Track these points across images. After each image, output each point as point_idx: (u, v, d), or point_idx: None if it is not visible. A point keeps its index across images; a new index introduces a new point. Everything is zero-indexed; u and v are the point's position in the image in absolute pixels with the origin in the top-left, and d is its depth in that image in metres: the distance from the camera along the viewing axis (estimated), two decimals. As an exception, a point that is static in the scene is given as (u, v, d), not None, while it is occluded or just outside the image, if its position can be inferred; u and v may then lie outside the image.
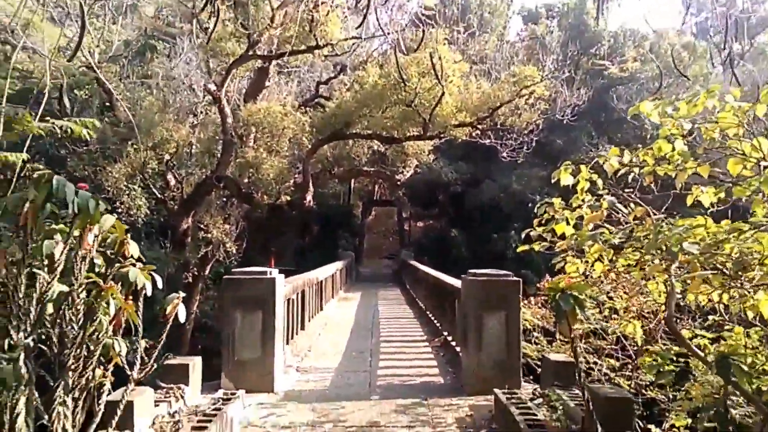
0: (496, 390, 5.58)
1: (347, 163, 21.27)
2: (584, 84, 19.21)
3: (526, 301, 12.52)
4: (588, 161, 5.24)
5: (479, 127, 14.50)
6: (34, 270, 2.63)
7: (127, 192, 17.24)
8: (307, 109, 20.58)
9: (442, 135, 14.96)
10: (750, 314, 4.68)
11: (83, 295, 2.72)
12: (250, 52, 15.71)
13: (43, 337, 2.72)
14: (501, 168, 22.53)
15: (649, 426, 7.26)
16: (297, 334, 8.97)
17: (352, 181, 30.40)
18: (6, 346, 2.54)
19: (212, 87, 15.84)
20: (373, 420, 5.39)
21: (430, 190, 26.69)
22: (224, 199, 20.77)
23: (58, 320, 2.69)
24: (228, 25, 15.35)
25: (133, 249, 2.95)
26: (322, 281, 12.73)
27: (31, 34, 17.68)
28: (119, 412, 3.35)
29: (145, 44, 19.05)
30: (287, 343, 7.78)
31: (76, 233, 2.78)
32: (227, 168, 17.09)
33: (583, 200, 5.11)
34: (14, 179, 2.99)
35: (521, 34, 31.29)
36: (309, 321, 10.43)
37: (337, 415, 5.56)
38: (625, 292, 9.71)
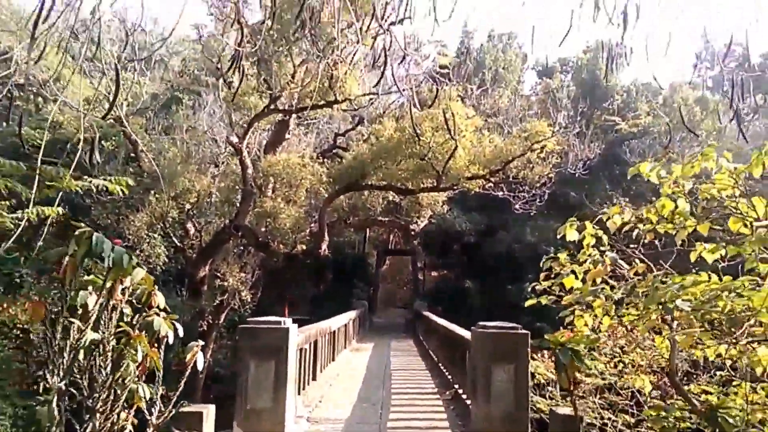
0: (504, 444, 5.63)
1: (362, 212, 21.65)
2: (597, 138, 19.57)
3: (539, 355, 12.45)
4: (601, 215, 5.44)
5: (492, 179, 14.83)
6: (70, 319, 2.87)
7: (148, 240, 17.70)
8: (325, 159, 21.21)
9: (455, 187, 15.30)
10: (759, 370, 4.76)
11: (113, 342, 2.96)
12: (272, 107, 16.35)
13: (73, 381, 2.94)
14: (515, 219, 22.72)
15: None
16: (309, 384, 9.05)
17: (367, 230, 30.70)
18: (41, 389, 2.76)
19: (234, 139, 16.44)
20: (381, 472, 5.45)
21: (445, 240, 26.87)
22: (241, 248, 21.15)
23: (89, 366, 2.91)
24: (251, 80, 16.05)
25: (159, 300, 3.20)
26: (335, 331, 12.83)
27: (61, 86, 18.60)
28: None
29: (172, 97, 19.91)
30: (299, 393, 7.88)
31: (108, 285, 3.05)
32: (245, 217, 17.51)
33: (589, 255, 5.30)
34: (45, 231, 3.28)
35: (535, 87, 32.02)
36: (321, 371, 10.51)
37: (347, 466, 5.63)
38: (637, 347, 9.71)
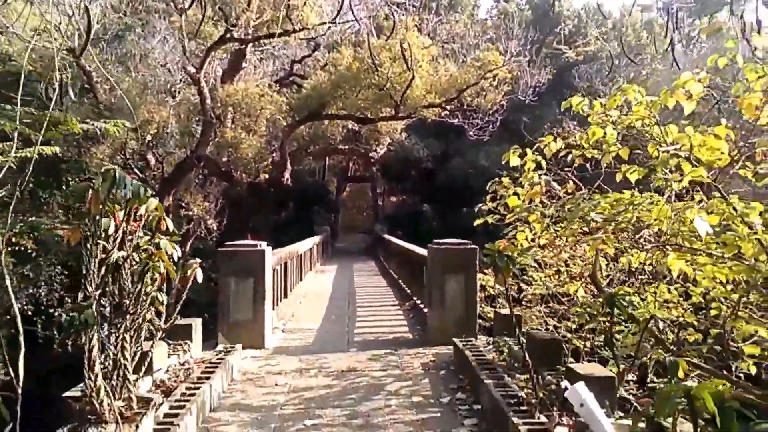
0: (455, 339, 6.66)
1: (322, 141, 22.05)
2: (548, 64, 20.22)
3: (490, 270, 13.61)
4: (538, 143, 6.18)
5: (447, 107, 15.45)
6: (99, 241, 3.51)
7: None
8: (282, 87, 21.22)
9: (412, 115, 15.89)
10: (675, 273, 5.76)
11: (136, 258, 3.63)
12: (228, 36, 16.26)
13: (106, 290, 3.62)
14: (470, 145, 23.54)
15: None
16: (281, 301, 9.93)
17: (327, 158, 31.14)
18: (82, 297, 3.44)
19: (191, 69, 16.40)
20: (351, 366, 6.42)
21: (403, 166, 27.64)
22: (202, 177, 21.39)
23: (118, 278, 3.58)
24: (206, 9, 15.85)
25: (168, 224, 3.86)
26: (301, 254, 13.67)
27: (5, 14, 17.84)
28: (147, 360, 4.28)
29: (124, 27, 19.37)
30: (273, 309, 8.73)
31: (117, 210, 3.68)
32: (207, 147, 17.73)
33: (529, 178, 6.12)
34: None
35: (491, 11, 32.06)
36: (291, 290, 11.40)
37: (321, 363, 6.58)
38: (578, 259, 10.84)
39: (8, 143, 4.77)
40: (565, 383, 3.61)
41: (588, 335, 8.25)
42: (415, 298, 10.63)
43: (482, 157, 24.05)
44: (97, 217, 3.51)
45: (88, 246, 3.41)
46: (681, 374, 3.30)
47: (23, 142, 6.66)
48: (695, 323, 6.91)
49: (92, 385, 3.35)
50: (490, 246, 4.61)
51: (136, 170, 18.47)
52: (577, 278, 10.23)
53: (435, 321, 7.56)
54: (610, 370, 4.47)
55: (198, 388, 4.86)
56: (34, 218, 15.35)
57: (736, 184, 7.26)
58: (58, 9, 11.25)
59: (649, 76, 21.28)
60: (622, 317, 4.39)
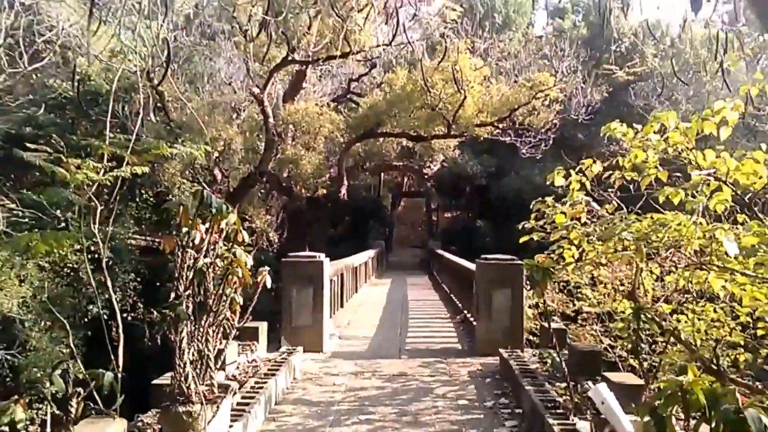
0: (501, 350, 7.02)
1: (378, 157, 22.73)
2: (603, 82, 20.18)
3: (547, 288, 13.76)
4: (608, 156, 6.46)
5: (500, 126, 15.79)
6: (188, 249, 4.15)
7: (178, 186, 19.03)
8: (340, 104, 22.08)
9: (465, 134, 16.31)
10: (717, 291, 5.97)
11: (220, 264, 4.25)
12: (290, 58, 17.21)
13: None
14: (524, 161, 23.63)
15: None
16: (338, 310, 10.52)
17: (382, 174, 31.83)
18: (173, 297, 4.07)
19: (256, 90, 17.42)
20: (402, 371, 6.88)
21: (457, 182, 27.95)
22: (264, 192, 22.44)
23: (203, 281, 4.20)
24: (270, 34, 16.86)
25: (244, 236, 4.47)
26: (357, 267, 14.27)
27: (85, 36, 19.44)
28: (222, 357, 4.90)
29: (192, 48, 20.72)
30: (330, 317, 9.31)
31: (205, 225, 4.31)
32: (269, 164, 18.70)
33: (572, 198, 6.45)
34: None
35: (546, 29, 32.09)
36: (347, 300, 11.98)
37: (374, 368, 7.07)
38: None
39: (107, 163, 5.52)
40: (589, 384, 3.95)
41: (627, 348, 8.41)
42: (465, 312, 10.99)
43: (536, 173, 24.06)
44: (186, 229, 4.15)
45: (179, 253, 4.05)
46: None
47: (116, 161, 7.52)
48: (741, 342, 7.02)
49: (181, 371, 3.96)
50: (528, 261, 4.99)
51: (203, 184, 19.67)
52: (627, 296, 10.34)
53: (483, 332, 7.93)
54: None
55: (265, 383, 5.46)
56: (111, 228, 16.62)
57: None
58: (133, 33, 12.38)
59: (709, 93, 20.87)
60: (649, 330, 4.67)
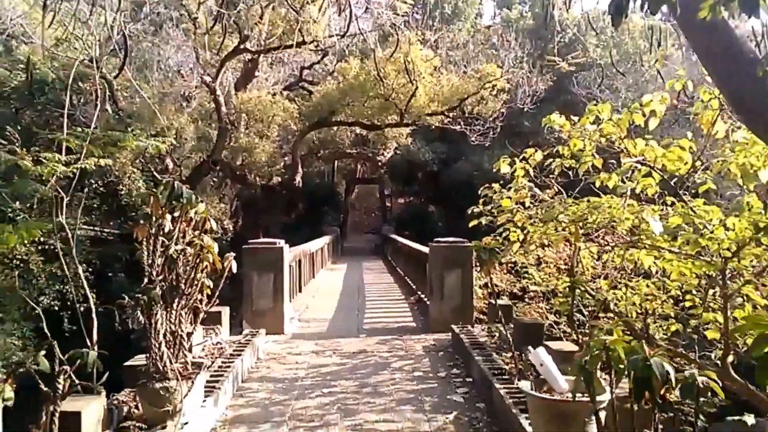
0: (452, 326, 7.53)
1: (332, 145, 22.97)
2: (548, 71, 20.97)
3: (495, 268, 14.45)
4: (552, 143, 6.94)
5: (450, 115, 16.33)
6: (159, 237, 4.41)
7: (128, 175, 18.78)
8: (292, 92, 22.14)
9: (417, 123, 16.78)
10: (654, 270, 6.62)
11: (190, 250, 4.52)
12: (242, 47, 17.21)
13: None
14: (474, 148, 24.32)
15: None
16: (296, 294, 10.84)
17: (336, 161, 32.04)
18: (146, 282, 4.34)
19: (208, 79, 17.35)
20: (361, 348, 7.31)
21: (409, 169, 28.47)
22: (217, 180, 22.34)
23: (174, 266, 4.48)
24: (223, 23, 16.80)
25: (212, 224, 4.75)
26: (313, 252, 14.58)
27: (27, 24, 18.84)
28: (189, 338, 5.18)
29: (142, 37, 20.34)
30: (290, 301, 9.63)
31: (176, 214, 4.57)
32: (222, 152, 18.68)
33: (518, 184, 6.97)
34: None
35: (494, 19, 32.88)
36: (305, 285, 12.31)
37: (334, 346, 7.47)
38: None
39: (71, 156, 5.65)
40: (530, 349, 4.47)
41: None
42: (419, 293, 11.50)
43: (486, 160, 24.80)
44: (158, 219, 4.42)
45: (151, 241, 4.32)
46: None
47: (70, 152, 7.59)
48: (672, 314, 7.75)
49: (157, 350, 4.25)
50: (476, 243, 5.47)
51: (155, 173, 19.45)
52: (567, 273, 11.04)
53: (436, 311, 8.43)
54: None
55: (232, 363, 5.78)
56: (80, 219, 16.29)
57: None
58: (79, 20, 12.16)
59: (647, 82, 22.01)
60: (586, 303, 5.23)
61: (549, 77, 20.45)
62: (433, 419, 4.78)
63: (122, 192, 17.98)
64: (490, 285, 13.76)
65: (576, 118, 6.49)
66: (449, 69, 16.68)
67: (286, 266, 8.60)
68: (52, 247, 15.09)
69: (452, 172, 26.88)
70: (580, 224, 5.93)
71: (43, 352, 3.66)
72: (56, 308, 16.12)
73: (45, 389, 3.51)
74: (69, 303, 17.02)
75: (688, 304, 7.00)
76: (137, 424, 4.11)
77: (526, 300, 13.52)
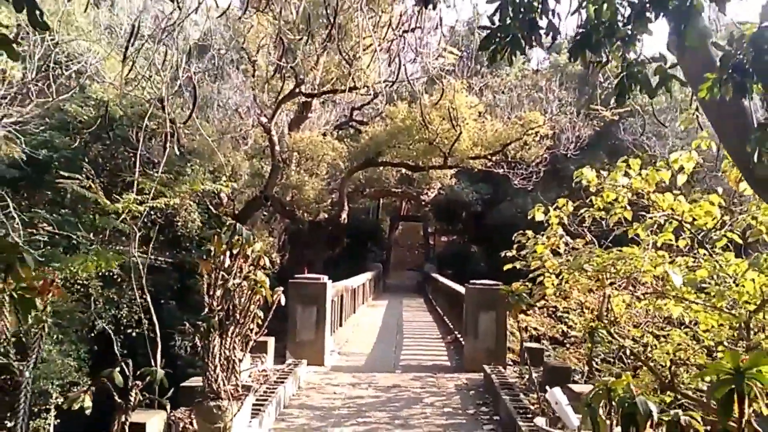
0: (485, 366, 7.83)
1: (377, 183, 23.72)
2: (595, 116, 21.19)
3: (532, 311, 14.60)
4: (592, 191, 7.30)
5: (492, 159, 16.80)
6: (220, 271, 5.01)
7: (185, 207, 19.91)
8: (342, 131, 23.11)
9: (460, 165, 17.33)
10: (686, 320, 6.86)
11: (245, 284, 5.10)
12: (297, 90, 18.26)
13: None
14: (518, 190, 24.55)
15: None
16: (337, 329, 11.32)
17: (381, 198, 32.75)
18: (207, 311, 4.92)
19: (264, 120, 18.43)
20: (395, 383, 7.70)
21: (453, 208, 28.85)
22: (267, 214, 23.33)
23: (231, 298, 5.06)
24: (282, 69, 17.94)
25: (266, 261, 5.34)
26: (355, 288, 15.09)
27: (99, 62, 20.47)
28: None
29: (204, 77, 21.77)
30: (331, 334, 10.12)
31: (235, 251, 5.18)
32: (273, 188, 19.63)
33: (555, 232, 7.34)
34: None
35: (542, 63, 33.36)
36: (345, 320, 12.79)
37: (370, 380, 7.89)
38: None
39: (143, 196, 6.42)
40: (547, 388, 4.79)
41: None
42: (456, 332, 11.79)
43: (529, 202, 24.99)
44: (220, 255, 5.03)
45: (212, 275, 4.92)
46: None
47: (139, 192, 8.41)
48: (704, 363, 7.85)
49: (212, 373, 4.80)
50: (505, 287, 5.85)
51: (211, 207, 20.55)
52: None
53: (469, 351, 8.76)
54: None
55: (275, 389, 6.28)
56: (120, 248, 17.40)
57: None
58: (146, 60, 13.28)
59: (697, 130, 21.87)
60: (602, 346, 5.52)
61: (595, 123, 20.68)
62: (459, 452, 5.12)
63: (178, 224, 19.09)
64: (516, 328, 13.98)
65: (605, 174, 6.86)
66: (495, 114, 17.22)
67: (329, 301, 9.13)
68: (110, 273, 16.17)
69: (495, 213, 27.11)
70: (606, 273, 6.27)
71: (117, 369, 4.25)
72: (110, 332, 17.10)
73: (118, 401, 4.09)
74: (122, 327, 18.01)
75: (720, 354, 7.16)
76: (194, 437, 4.64)
77: (566, 345, 13.56)
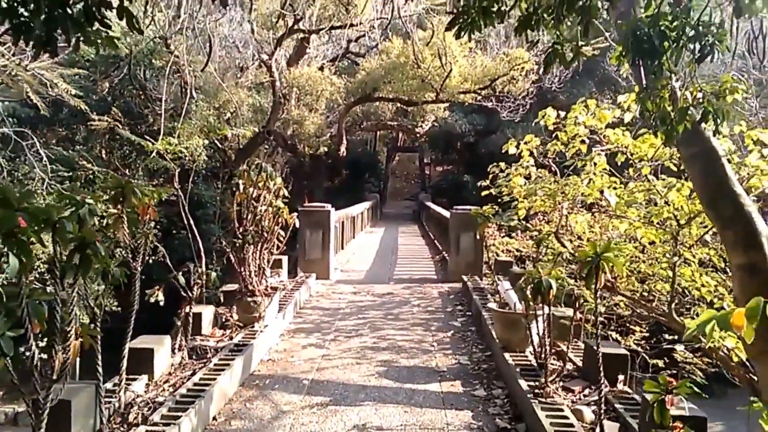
0: (463, 276, 9.42)
1: (374, 117, 24.80)
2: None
3: (515, 234, 16.20)
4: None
5: (481, 93, 17.87)
6: (251, 201, 6.43)
7: (190, 141, 21.11)
8: (340, 66, 23.93)
9: (451, 100, 18.42)
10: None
11: (271, 209, 6.54)
12: (296, 27, 19.05)
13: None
14: (508, 121, 25.69)
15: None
16: (339, 250, 12.90)
17: (378, 131, 33.77)
18: (242, 230, 6.38)
19: (264, 57, 19.32)
20: (389, 291, 9.33)
21: (447, 139, 29.99)
22: (269, 148, 24.55)
23: (259, 222, 6.50)
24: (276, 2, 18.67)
25: (285, 192, 6.75)
26: (354, 216, 16.61)
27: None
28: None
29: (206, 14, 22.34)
30: (335, 254, 11.68)
31: (260, 184, 6.58)
32: (275, 123, 20.77)
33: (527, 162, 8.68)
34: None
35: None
36: (346, 244, 14.36)
37: (369, 289, 9.50)
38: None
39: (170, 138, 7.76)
40: (499, 278, 6.34)
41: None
42: (444, 252, 13.40)
43: (519, 132, 26.15)
44: (250, 188, 6.44)
45: (245, 203, 6.35)
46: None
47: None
48: (650, 273, 9.39)
49: (249, 277, 6.32)
50: (475, 209, 7.29)
51: (216, 141, 21.74)
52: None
53: (452, 265, 10.35)
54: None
55: (293, 294, 7.86)
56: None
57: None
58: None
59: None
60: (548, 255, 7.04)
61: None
62: (435, 335, 6.75)
63: (186, 158, 20.35)
64: (483, 246, 15.47)
65: (559, 113, 8.13)
66: (485, 46, 18.14)
67: (332, 226, 10.63)
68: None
69: (487, 143, 28.30)
70: (558, 198, 7.71)
71: (181, 273, 5.75)
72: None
73: (185, 295, 5.61)
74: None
75: (664, 265, 8.68)
76: (237, 323, 6.22)
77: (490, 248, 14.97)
